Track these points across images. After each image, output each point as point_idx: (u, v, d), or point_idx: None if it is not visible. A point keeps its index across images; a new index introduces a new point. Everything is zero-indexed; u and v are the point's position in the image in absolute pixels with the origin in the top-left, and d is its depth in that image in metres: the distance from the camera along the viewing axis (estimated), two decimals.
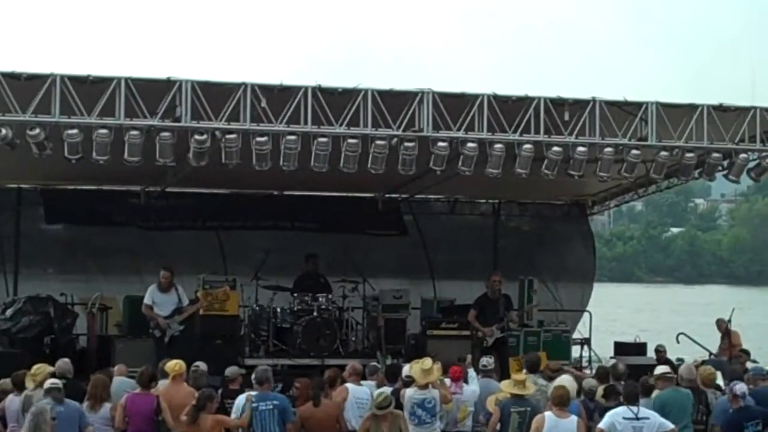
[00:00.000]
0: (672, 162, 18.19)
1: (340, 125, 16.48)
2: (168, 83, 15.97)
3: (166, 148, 16.12)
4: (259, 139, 16.23)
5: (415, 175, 18.06)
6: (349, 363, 15.70)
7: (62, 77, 15.50)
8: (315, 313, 19.93)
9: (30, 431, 12.12)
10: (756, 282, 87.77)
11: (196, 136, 16.06)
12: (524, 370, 15.32)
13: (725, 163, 18.39)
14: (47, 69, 15.57)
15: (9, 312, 19.27)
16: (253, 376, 14.08)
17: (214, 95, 16.07)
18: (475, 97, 16.97)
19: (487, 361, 15.90)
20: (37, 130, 15.52)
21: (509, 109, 17.13)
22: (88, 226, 22.94)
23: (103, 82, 15.73)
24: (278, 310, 20.29)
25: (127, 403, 13.47)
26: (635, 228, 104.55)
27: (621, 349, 22.77)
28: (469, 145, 16.97)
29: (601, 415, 13.25)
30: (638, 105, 17.69)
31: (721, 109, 17.88)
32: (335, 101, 16.47)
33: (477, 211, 25.76)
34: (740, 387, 13.51)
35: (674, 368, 15.75)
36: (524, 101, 17.20)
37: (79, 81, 15.65)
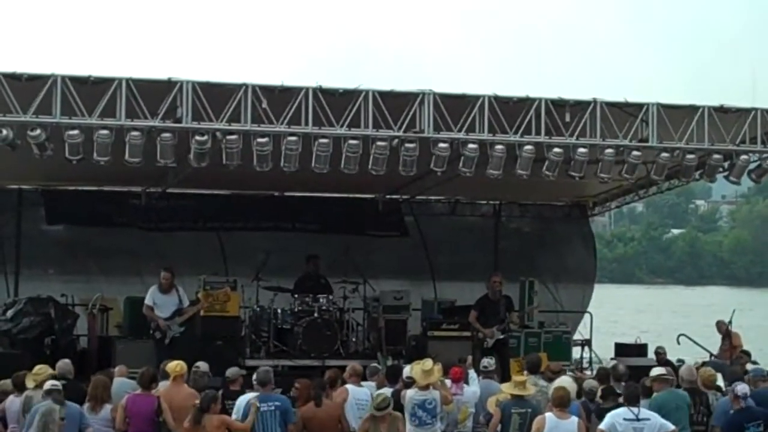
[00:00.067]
0: (673, 163, 18.20)
1: (341, 126, 16.49)
2: (169, 84, 15.99)
3: (167, 149, 16.13)
4: (259, 140, 16.24)
5: (415, 176, 18.08)
6: (349, 364, 15.70)
7: (63, 78, 15.51)
8: (316, 314, 19.93)
9: (39, 431, 12.19)
10: (757, 283, 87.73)
11: (197, 137, 16.07)
12: (525, 371, 15.31)
13: (726, 164, 18.39)
14: (48, 69, 15.62)
15: (10, 313, 19.26)
16: (254, 377, 14.08)
17: (215, 96, 16.08)
18: (476, 98, 16.98)
19: (488, 362, 15.91)
20: (38, 131, 15.52)
21: (510, 110, 17.14)
22: (89, 227, 22.95)
23: (104, 83, 15.75)
24: (279, 311, 20.28)
25: (127, 404, 13.47)
26: (636, 229, 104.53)
27: (622, 350, 22.76)
28: (470, 146, 16.97)
29: (598, 416, 13.27)
30: (639, 106, 17.69)
31: (721, 110, 17.89)
32: (336, 102, 16.48)
33: (478, 212, 25.77)
34: (742, 388, 13.51)
35: (675, 369, 15.75)
36: (525, 102, 17.21)
37: (80, 82, 15.66)
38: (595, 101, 17.39)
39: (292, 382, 14.79)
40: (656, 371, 14.54)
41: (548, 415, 12.77)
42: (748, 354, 19.92)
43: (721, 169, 18.52)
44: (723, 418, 13.70)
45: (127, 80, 15.72)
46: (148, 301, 18.39)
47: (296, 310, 20.11)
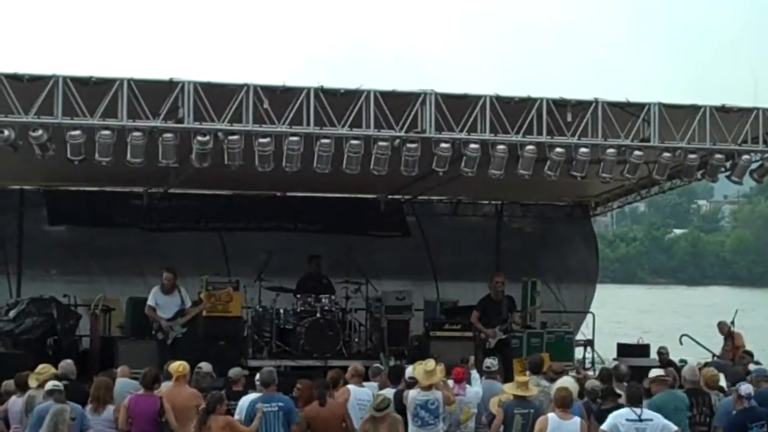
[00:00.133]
0: (674, 163, 18.19)
1: (343, 126, 16.48)
2: (170, 84, 15.99)
3: (168, 150, 16.12)
4: (261, 140, 16.24)
5: (417, 176, 18.07)
6: (351, 364, 15.69)
7: (65, 78, 15.51)
8: (318, 315, 19.92)
9: (50, 430, 12.22)
10: (759, 283, 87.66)
11: (199, 138, 16.07)
12: (527, 372, 15.30)
13: (728, 164, 18.37)
14: (50, 70, 15.60)
15: (12, 313, 19.28)
16: (258, 377, 14.07)
17: (217, 96, 16.08)
18: (478, 98, 16.97)
19: (490, 362, 15.90)
20: (40, 132, 15.52)
21: (512, 110, 17.13)
22: (91, 228, 22.95)
23: (105, 84, 15.75)
24: (281, 311, 20.28)
25: (130, 405, 13.46)
26: (638, 229, 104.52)
27: (624, 350, 22.75)
28: (472, 146, 16.97)
29: (597, 417, 13.25)
30: (641, 106, 17.68)
31: (723, 110, 17.87)
32: (338, 102, 16.47)
33: (480, 213, 25.75)
34: (746, 388, 13.49)
35: (678, 370, 15.74)
36: (527, 102, 17.20)
37: (81, 82, 15.66)
38: (596, 101, 17.38)
39: (294, 383, 14.79)
40: (654, 372, 14.55)
41: (551, 415, 12.76)
42: (750, 354, 19.91)
43: (723, 169, 18.51)
44: (725, 419, 13.69)
45: (129, 81, 15.72)
46: (150, 301, 18.40)
47: (299, 310, 20.10)
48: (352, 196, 23.62)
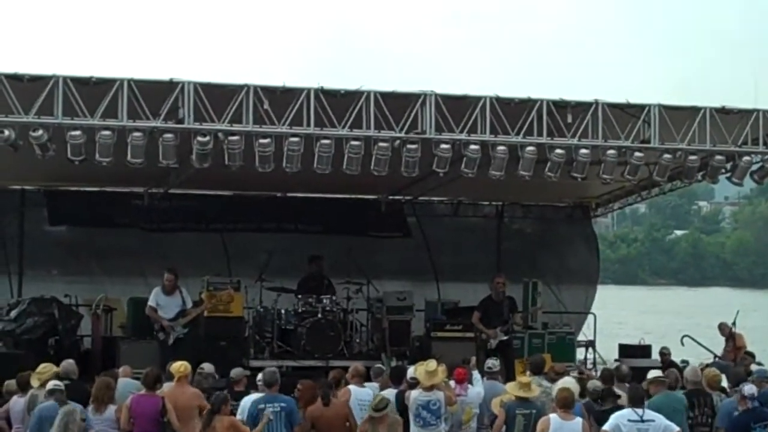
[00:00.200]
0: (675, 164, 18.19)
1: (343, 127, 16.48)
2: (171, 85, 15.98)
3: (169, 150, 16.12)
4: (262, 140, 16.24)
5: (418, 177, 18.07)
6: (352, 365, 15.68)
7: (65, 78, 15.51)
8: (319, 315, 19.93)
9: (60, 430, 12.24)
10: (760, 284, 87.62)
11: (199, 138, 16.07)
12: (528, 372, 15.30)
13: (728, 165, 18.38)
14: (50, 70, 15.60)
15: (13, 313, 19.28)
16: (261, 378, 14.07)
17: (217, 97, 16.08)
18: (478, 99, 16.96)
19: (492, 363, 15.90)
20: (40, 132, 15.52)
21: (512, 111, 17.13)
22: (92, 228, 22.94)
23: (105, 84, 15.75)
24: (282, 311, 20.28)
25: (132, 405, 13.45)
26: (638, 230, 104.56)
27: (625, 351, 22.76)
28: (472, 147, 16.96)
29: (596, 418, 13.24)
30: (641, 107, 17.68)
31: (723, 111, 17.87)
32: (338, 103, 16.47)
33: (480, 213, 25.74)
34: (749, 388, 13.48)
35: (680, 370, 15.74)
36: (527, 103, 17.19)
37: (81, 82, 15.65)
38: (596, 102, 17.38)
39: (295, 383, 14.79)
40: (652, 374, 14.55)
41: (552, 416, 12.76)
42: (752, 355, 19.92)
43: (723, 171, 18.52)
44: (727, 419, 13.68)
45: (129, 81, 15.72)
46: (151, 302, 18.41)
47: (300, 310, 20.10)
48: (353, 196, 23.61)
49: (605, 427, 12.55)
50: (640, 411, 12.56)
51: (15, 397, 14.07)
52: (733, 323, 21.33)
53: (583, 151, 17.32)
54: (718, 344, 21.63)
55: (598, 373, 17.42)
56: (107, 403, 13.48)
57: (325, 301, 20.17)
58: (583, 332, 24.01)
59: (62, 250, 22.98)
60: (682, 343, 22.28)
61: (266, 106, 16.15)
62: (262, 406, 13.38)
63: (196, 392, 13.83)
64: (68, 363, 14.60)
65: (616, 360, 21.53)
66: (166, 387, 13.91)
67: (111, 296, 20.97)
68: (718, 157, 18.08)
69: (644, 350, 22.67)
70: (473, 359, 16.44)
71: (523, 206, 25.62)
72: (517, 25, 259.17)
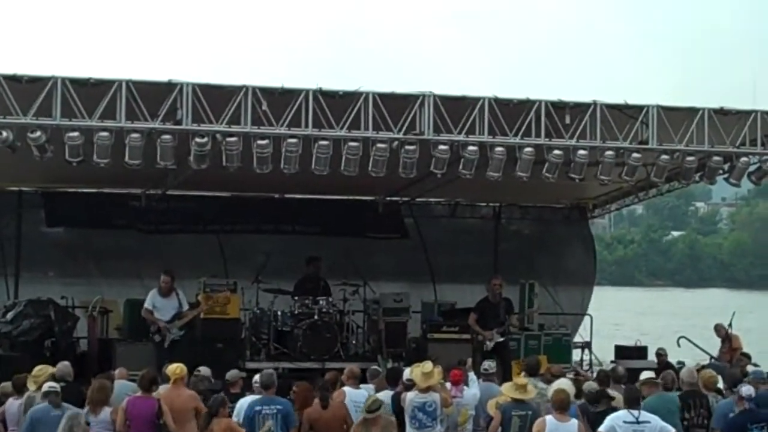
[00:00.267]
0: (673, 165, 18.20)
1: (341, 128, 16.48)
2: (169, 86, 15.98)
3: (166, 151, 16.11)
4: (260, 142, 16.23)
5: (415, 178, 18.08)
6: (347, 366, 15.67)
7: (63, 80, 15.51)
8: (316, 317, 19.92)
9: None
10: (757, 286, 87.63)
11: (197, 139, 16.06)
12: (523, 374, 15.30)
13: (726, 166, 18.39)
14: (48, 71, 15.60)
15: (10, 315, 19.26)
16: (258, 380, 14.05)
17: (215, 98, 16.08)
18: (476, 100, 16.97)
19: (488, 364, 15.89)
20: (38, 133, 15.51)
21: (510, 112, 17.13)
22: (89, 229, 22.94)
23: (104, 85, 15.74)
24: (279, 313, 20.27)
25: (128, 407, 13.43)
26: (636, 231, 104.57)
27: (622, 352, 22.77)
28: (470, 148, 16.96)
29: (590, 420, 13.23)
30: (639, 108, 17.68)
31: (721, 112, 17.88)
32: (336, 104, 16.47)
33: (478, 215, 25.75)
34: (747, 389, 13.47)
35: (676, 372, 15.73)
36: (525, 104, 17.20)
37: (80, 83, 15.65)
38: (595, 103, 17.39)
39: (291, 385, 14.78)
40: (645, 375, 14.55)
41: (548, 418, 12.75)
42: (748, 356, 19.90)
43: (721, 171, 18.53)
44: (722, 421, 13.68)
45: (127, 82, 15.71)
46: (147, 304, 18.40)
47: (296, 312, 20.10)
48: (351, 198, 23.61)
49: (601, 428, 12.54)
50: (635, 412, 12.55)
51: (10, 400, 14.03)
52: (729, 324, 21.35)
53: (581, 152, 17.32)
54: (715, 346, 21.63)
55: (594, 375, 17.44)
56: (102, 404, 13.47)
57: (321, 302, 20.16)
58: (580, 333, 24.03)
59: (59, 251, 22.98)
60: (679, 345, 22.29)
61: (264, 107, 16.15)
62: (258, 408, 13.37)
63: (192, 394, 13.81)
64: (64, 365, 14.58)
65: (612, 361, 21.53)
66: (162, 389, 13.90)
67: (108, 298, 20.96)
68: (716, 158, 18.10)
69: (640, 351, 22.68)
70: (469, 361, 16.46)
71: (520, 207, 25.63)
72: (517, 25, 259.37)
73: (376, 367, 16.64)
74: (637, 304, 64.10)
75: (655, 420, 12.59)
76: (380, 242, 24.19)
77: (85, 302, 20.50)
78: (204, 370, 15.25)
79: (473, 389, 14.99)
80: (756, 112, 17.97)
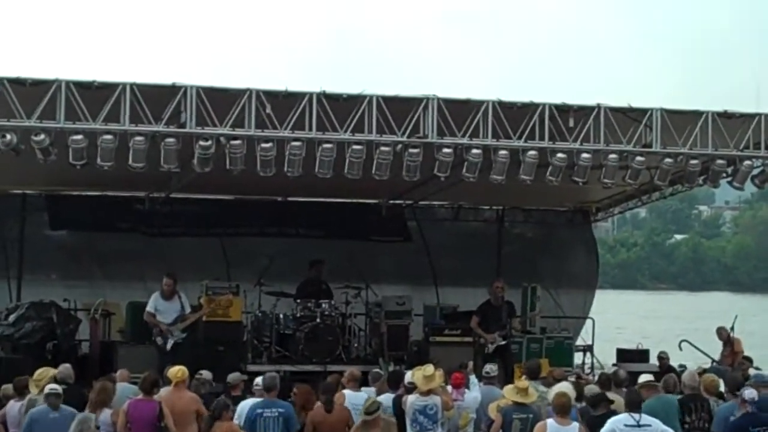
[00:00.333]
0: (676, 169, 18.20)
1: (345, 131, 16.48)
2: (173, 89, 15.99)
3: (170, 154, 16.12)
4: (263, 145, 16.24)
5: (419, 181, 18.08)
6: (348, 369, 15.67)
7: (67, 83, 15.51)
8: (318, 320, 19.92)
9: None
10: (760, 289, 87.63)
11: (201, 142, 16.06)
12: (524, 377, 15.30)
13: (729, 170, 18.37)
14: (52, 74, 15.56)
15: (12, 317, 19.29)
16: (261, 382, 14.05)
17: (219, 101, 16.09)
18: (480, 103, 16.97)
19: (490, 368, 15.89)
20: (42, 136, 15.52)
21: (514, 115, 17.13)
22: (93, 232, 22.92)
23: (107, 88, 15.75)
24: (281, 316, 20.28)
25: (129, 409, 13.44)
26: (639, 235, 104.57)
27: (623, 356, 22.76)
28: (474, 151, 16.96)
29: (590, 424, 13.23)
30: (643, 111, 17.67)
31: (725, 115, 17.88)
32: (340, 107, 16.48)
33: (481, 218, 25.74)
34: (749, 392, 13.47)
35: (677, 375, 15.73)
36: (529, 107, 17.20)
37: (83, 87, 15.66)
38: (599, 106, 17.38)
39: (292, 388, 14.78)
40: (643, 378, 14.54)
41: (549, 421, 12.75)
42: (750, 360, 19.90)
43: (724, 175, 18.51)
44: (723, 424, 13.67)
45: (131, 85, 15.72)
46: (149, 308, 18.41)
47: (298, 315, 20.10)
48: (354, 201, 23.61)
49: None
50: (636, 416, 12.56)
51: (12, 402, 14.05)
52: (732, 328, 21.33)
53: (585, 155, 17.31)
54: (717, 349, 21.62)
55: (596, 378, 17.43)
56: (103, 405, 13.49)
57: (323, 305, 20.17)
58: (582, 337, 24.00)
59: (63, 254, 22.98)
60: (680, 348, 22.27)
61: (268, 110, 16.15)
62: (260, 411, 13.37)
63: (194, 397, 13.82)
64: (65, 367, 14.59)
65: (614, 365, 21.54)
66: (164, 392, 13.90)
67: (110, 301, 20.96)
68: (720, 161, 18.08)
69: (642, 355, 22.68)
70: (470, 364, 16.47)
71: (523, 210, 25.61)
72: (517, 25, 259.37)
73: (377, 370, 16.66)
74: (639, 308, 64.08)
75: (656, 423, 12.59)
76: (383, 245, 24.18)
77: (88, 305, 20.52)
78: (205, 374, 15.25)
79: (474, 392, 14.98)
80: (760, 115, 17.97)
